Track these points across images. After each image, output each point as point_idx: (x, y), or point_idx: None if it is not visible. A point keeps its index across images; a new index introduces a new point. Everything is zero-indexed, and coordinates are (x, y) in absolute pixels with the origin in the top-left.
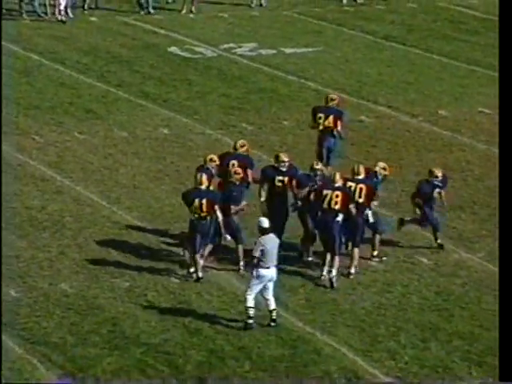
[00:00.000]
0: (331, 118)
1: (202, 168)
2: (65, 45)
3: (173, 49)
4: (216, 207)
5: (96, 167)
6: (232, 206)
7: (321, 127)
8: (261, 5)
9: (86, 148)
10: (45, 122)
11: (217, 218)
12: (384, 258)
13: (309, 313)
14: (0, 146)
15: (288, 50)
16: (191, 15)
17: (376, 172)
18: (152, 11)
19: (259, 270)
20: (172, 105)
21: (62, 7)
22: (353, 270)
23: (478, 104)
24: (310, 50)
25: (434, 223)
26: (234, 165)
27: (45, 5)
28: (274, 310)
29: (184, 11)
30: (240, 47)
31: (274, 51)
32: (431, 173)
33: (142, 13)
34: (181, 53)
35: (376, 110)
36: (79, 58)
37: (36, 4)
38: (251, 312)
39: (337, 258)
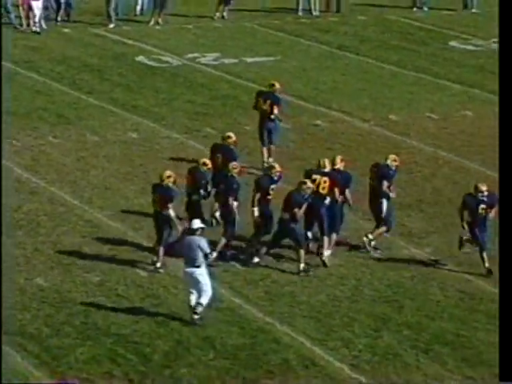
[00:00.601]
0: (268, 102)
1: (195, 170)
2: (39, 54)
3: (140, 58)
4: (169, 205)
5: (69, 169)
6: (231, 199)
7: (260, 110)
8: (223, 17)
9: (60, 151)
10: (21, 127)
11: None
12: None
13: (268, 304)
14: (0, 147)
15: (249, 60)
16: (158, 27)
17: (388, 165)
18: (112, 26)
19: (184, 268)
20: (140, 111)
21: (36, 19)
22: (326, 253)
23: (425, 109)
24: (270, 59)
25: (479, 241)
26: (218, 158)
27: (20, 17)
28: (193, 306)
29: (151, 23)
30: (204, 56)
31: (236, 60)
32: (476, 188)
33: (112, 26)
34: (148, 62)
35: (331, 115)
36: (53, 67)
37: (12, 16)
38: (192, 308)
39: (326, 239)
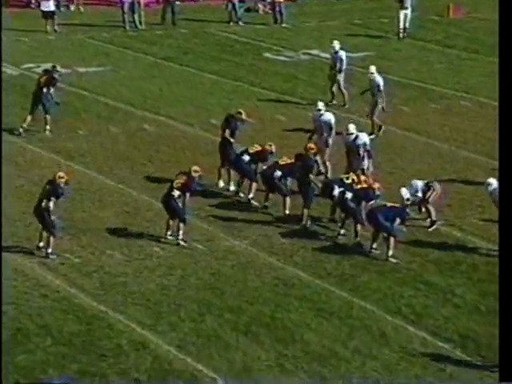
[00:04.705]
0: (44, 78)
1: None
2: None
3: None
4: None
5: None
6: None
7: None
8: (55, 30)
9: None
10: None
11: None
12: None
13: (102, 294)
14: (0, 149)
15: (81, 69)
16: None
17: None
18: None
19: None
20: None
21: None
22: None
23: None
24: (100, 69)
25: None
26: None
27: None
28: None
29: None
30: (39, 67)
31: (70, 70)
32: None
33: None
34: None
35: (158, 120)
36: None
37: None
38: None
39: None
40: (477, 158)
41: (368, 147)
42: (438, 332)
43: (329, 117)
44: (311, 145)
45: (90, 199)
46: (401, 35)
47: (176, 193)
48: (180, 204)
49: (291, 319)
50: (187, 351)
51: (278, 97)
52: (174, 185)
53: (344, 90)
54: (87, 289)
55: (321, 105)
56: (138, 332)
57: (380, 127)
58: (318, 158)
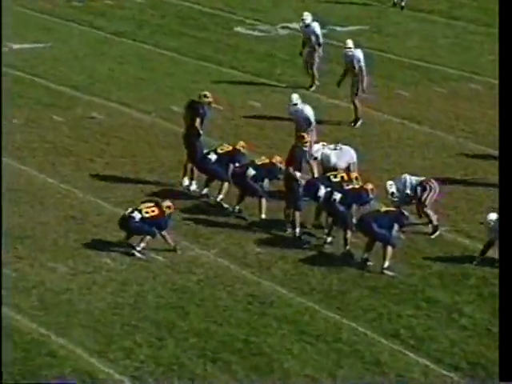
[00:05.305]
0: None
1: None
2: None
3: None
4: None
5: None
6: None
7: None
8: None
9: None
10: None
11: None
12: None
13: (43, 314)
14: (0, 151)
15: (15, 46)
16: None
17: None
18: None
19: None
20: None
21: None
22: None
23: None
24: (39, 45)
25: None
26: None
27: None
28: None
29: None
30: None
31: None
32: None
33: None
34: None
35: (108, 107)
36: None
37: None
38: None
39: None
40: (488, 152)
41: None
42: (443, 358)
43: (306, 111)
44: (304, 134)
45: (27, 201)
46: (398, 4)
47: (138, 216)
48: (141, 224)
49: (269, 344)
50: (144, 382)
51: (251, 79)
52: (143, 212)
53: (315, 71)
54: (24, 308)
55: (295, 98)
56: (84, 359)
57: (356, 119)
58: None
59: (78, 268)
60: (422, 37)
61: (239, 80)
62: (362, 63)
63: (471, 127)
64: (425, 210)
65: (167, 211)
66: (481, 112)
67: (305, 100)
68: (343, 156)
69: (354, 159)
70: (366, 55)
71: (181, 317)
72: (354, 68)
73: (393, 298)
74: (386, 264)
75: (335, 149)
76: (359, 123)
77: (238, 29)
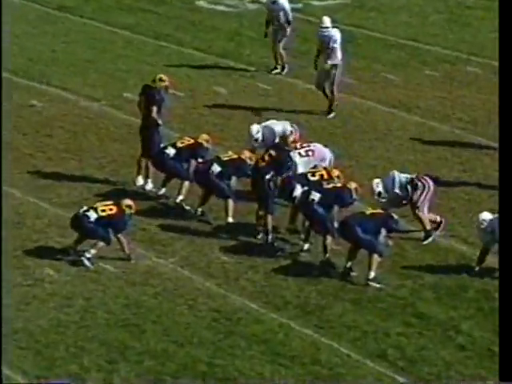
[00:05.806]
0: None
1: None
2: None
3: None
4: None
5: None
6: None
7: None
8: None
9: None
10: None
11: None
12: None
13: None
14: (0, 147)
15: None
16: None
17: None
18: None
19: None
20: None
21: None
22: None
23: None
24: None
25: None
26: None
27: None
28: None
29: None
30: None
31: None
32: None
33: None
34: None
35: (50, 93)
36: None
37: None
38: None
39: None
40: (489, 145)
41: None
42: (437, 383)
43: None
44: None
45: None
46: None
47: (93, 216)
48: (96, 226)
49: (236, 367)
50: None
51: (216, 61)
52: (98, 211)
53: (282, 52)
54: None
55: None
56: None
57: (330, 108)
58: None
59: (16, 280)
60: (411, 12)
61: (202, 62)
62: (338, 45)
63: (469, 116)
64: (416, 212)
65: (127, 211)
66: (480, 99)
67: (277, 86)
68: (313, 162)
69: (327, 162)
70: (346, 34)
71: (135, 336)
72: (330, 50)
73: (379, 313)
74: (372, 274)
75: (306, 155)
76: (332, 115)
77: (201, 3)
